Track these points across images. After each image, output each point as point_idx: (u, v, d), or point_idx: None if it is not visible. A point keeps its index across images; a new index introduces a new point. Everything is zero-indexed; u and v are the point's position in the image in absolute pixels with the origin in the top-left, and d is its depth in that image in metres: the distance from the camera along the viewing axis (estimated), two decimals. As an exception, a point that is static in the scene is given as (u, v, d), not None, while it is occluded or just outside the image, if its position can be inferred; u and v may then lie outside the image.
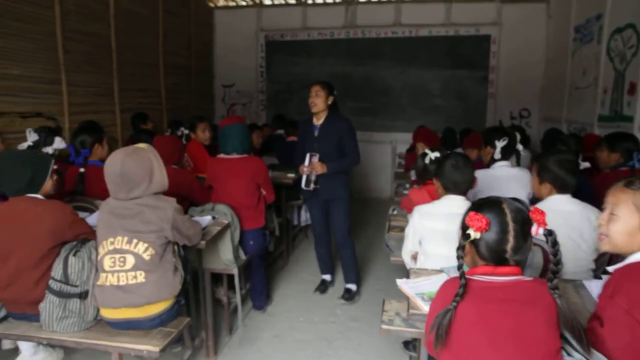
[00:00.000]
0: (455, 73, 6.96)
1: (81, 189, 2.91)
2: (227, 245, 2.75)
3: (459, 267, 1.28)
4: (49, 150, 2.94)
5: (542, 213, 1.30)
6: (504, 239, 1.28)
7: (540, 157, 2.31)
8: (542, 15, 6.53)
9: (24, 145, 2.99)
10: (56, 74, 4.23)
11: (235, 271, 2.82)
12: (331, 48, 7.25)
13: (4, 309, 2.09)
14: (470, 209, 1.37)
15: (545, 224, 1.29)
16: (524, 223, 1.29)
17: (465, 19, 6.80)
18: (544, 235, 1.30)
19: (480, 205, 1.37)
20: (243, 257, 2.97)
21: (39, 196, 2.05)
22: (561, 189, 2.16)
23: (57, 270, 1.96)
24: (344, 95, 7.18)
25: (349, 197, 3.61)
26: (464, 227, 1.36)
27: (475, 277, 1.30)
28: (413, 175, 4.43)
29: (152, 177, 2.01)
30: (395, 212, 3.18)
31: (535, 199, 2.72)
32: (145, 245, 1.94)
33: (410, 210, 2.87)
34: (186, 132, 4.18)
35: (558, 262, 1.29)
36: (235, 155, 3.12)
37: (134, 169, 1.95)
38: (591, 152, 3.23)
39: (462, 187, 2.20)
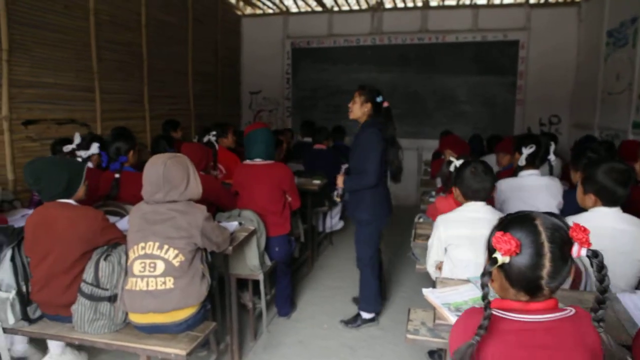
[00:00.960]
0: (482, 79, 6.87)
1: (115, 194, 2.98)
2: (253, 251, 2.77)
3: (484, 297, 1.08)
4: (82, 154, 3.03)
5: (585, 231, 1.09)
6: (538, 263, 1.07)
7: (587, 165, 2.14)
8: (573, 19, 6.39)
9: (68, 147, 3.09)
10: (90, 82, 4.36)
11: (260, 277, 2.85)
12: (357, 54, 7.26)
13: (39, 309, 2.17)
14: (497, 228, 1.18)
15: (589, 244, 1.08)
16: (562, 243, 1.08)
17: (493, 24, 6.72)
18: (588, 257, 1.10)
19: (509, 223, 1.16)
20: (268, 263, 2.99)
21: (71, 201, 2.12)
22: (608, 201, 1.97)
23: (88, 274, 2.02)
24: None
25: (373, 219, 3.14)
26: (490, 250, 1.15)
27: (504, 315, 1.11)
28: (439, 182, 4.39)
29: (189, 182, 2.08)
30: (421, 219, 3.15)
31: (566, 210, 2.67)
32: (176, 251, 1.98)
33: (433, 218, 2.86)
34: (213, 138, 4.24)
35: (605, 290, 1.08)
36: (259, 162, 3.14)
37: (174, 171, 2.04)
38: (632, 161, 2.96)
39: (481, 194, 2.18)
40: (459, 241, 2.15)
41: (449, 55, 6.94)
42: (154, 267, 1.97)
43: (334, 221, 5.07)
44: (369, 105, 3.09)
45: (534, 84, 6.65)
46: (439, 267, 2.29)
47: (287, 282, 3.32)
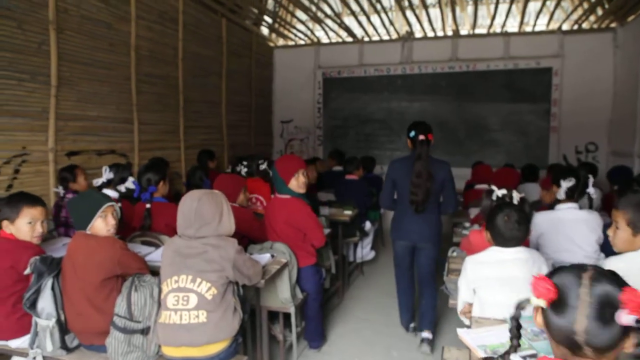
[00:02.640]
0: (514, 107, 6.80)
1: (148, 224, 3.06)
2: (285, 283, 2.78)
3: (512, 340, 1.04)
4: (122, 188, 3.14)
5: (638, 296, 0.95)
6: (573, 317, 0.99)
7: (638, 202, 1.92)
8: (609, 45, 6.29)
9: (98, 182, 3.21)
10: (129, 114, 4.54)
11: (292, 310, 2.84)
12: (387, 84, 7.32)
13: (76, 339, 2.22)
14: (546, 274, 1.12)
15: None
16: (606, 303, 0.97)
17: (525, 52, 6.67)
18: (637, 327, 0.96)
19: (558, 270, 1.10)
20: (300, 295, 2.98)
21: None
22: None
23: (120, 307, 2.06)
24: (400, 130, 7.22)
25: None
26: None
27: None
28: (472, 213, 4.32)
29: (222, 219, 2.13)
30: (454, 253, 3.09)
31: (606, 245, 2.57)
32: (208, 284, 2.01)
33: (469, 252, 2.80)
34: (245, 169, 4.32)
35: None
36: (281, 195, 3.12)
37: (207, 207, 2.09)
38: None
39: (511, 244, 2.09)
40: (487, 282, 2.08)
41: (480, 83, 6.92)
42: (187, 301, 2.00)
43: (365, 251, 5.03)
44: (408, 141, 3.35)
45: (569, 111, 6.53)
46: (468, 312, 2.21)
47: (317, 314, 3.28)
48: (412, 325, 3.63)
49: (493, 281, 2.06)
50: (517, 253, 2.09)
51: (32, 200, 2.33)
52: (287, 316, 2.97)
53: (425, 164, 3.17)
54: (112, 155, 4.31)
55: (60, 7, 3.67)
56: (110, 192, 3.11)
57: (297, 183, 3.01)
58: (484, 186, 4.09)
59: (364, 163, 5.68)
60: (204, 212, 2.08)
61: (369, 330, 3.75)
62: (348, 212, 4.27)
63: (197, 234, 2.08)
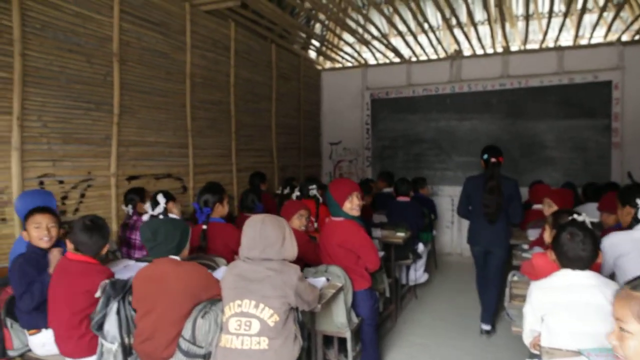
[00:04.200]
0: (571, 123, 6.51)
1: (204, 245, 3.12)
2: (340, 308, 2.74)
3: None
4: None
5: None
6: None
7: None
8: (673, 54, 5.95)
9: (159, 209, 3.30)
10: (184, 139, 4.70)
11: (348, 334, 2.79)
12: (436, 103, 7.22)
13: (138, 360, 2.27)
14: (630, 287, 1.07)
15: None
16: None
17: (581, 65, 6.41)
18: None
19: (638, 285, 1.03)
20: (355, 320, 2.93)
21: (178, 258, 2.25)
22: None
23: (187, 330, 2.08)
24: (450, 149, 7.09)
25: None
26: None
27: None
28: (531, 234, 4.14)
29: (284, 242, 2.14)
30: (515, 277, 2.96)
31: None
32: (271, 311, 2.01)
33: (532, 276, 2.67)
34: (297, 193, 4.34)
35: None
36: (335, 218, 3.10)
37: (270, 229, 2.13)
38: None
39: (579, 264, 1.98)
40: (556, 310, 1.95)
41: (533, 99, 6.69)
42: (249, 326, 2.00)
43: (418, 274, 4.92)
44: (482, 162, 3.97)
45: (632, 125, 6.18)
46: (536, 343, 2.08)
47: (373, 338, 3.21)
48: (486, 327, 4.04)
49: (562, 308, 1.94)
50: (587, 278, 1.97)
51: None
52: (342, 341, 2.93)
53: (497, 182, 3.79)
54: (168, 179, 4.47)
55: (123, 41, 3.89)
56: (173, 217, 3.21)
57: (351, 206, 2.99)
58: (541, 206, 3.94)
59: (413, 183, 5.61)
60: (268, 233, 2.12)
61: (424, 355, 3.65)
62: (401, 234, 4.20)
63: (261, 255, 2.10)
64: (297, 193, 4.32)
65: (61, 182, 3.45)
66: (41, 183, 3.29)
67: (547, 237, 2.81)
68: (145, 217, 2.49)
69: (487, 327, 4.01)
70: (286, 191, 4.62)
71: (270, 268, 2.07)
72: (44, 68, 3.28)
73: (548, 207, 3.66)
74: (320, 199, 4.33)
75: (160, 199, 3.34)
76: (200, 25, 4.85)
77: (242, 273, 2.09)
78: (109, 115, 3.81)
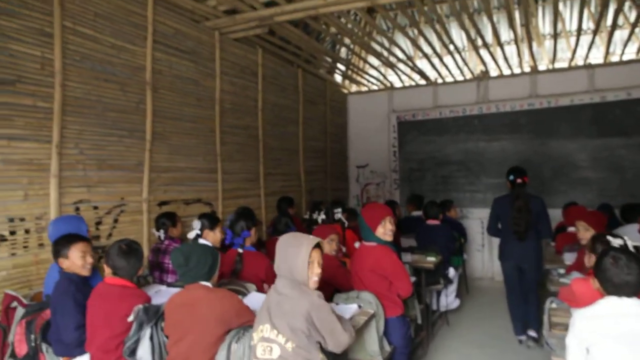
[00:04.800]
0: (605, 142, 6.34)
1: (239, 269, 3.12)
2: (372, 335, 2.68)
3: None
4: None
5: None
6: None
7: None
8: None
9: (192, 235, 3.35)
10: (213, 164, 4.77)
11: (380, 363, 2.72)
12: (463, 124, 7.15)
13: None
14: None
15: None
16: None
17: (613, 83, 6.27)
18: None
19: None
20: (388, 348, 2.86)
21: (209, 284, 2.25)
22: None
23: (221, 355, 2.07)
24: (479, 171, 6.98)
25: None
26: None
27: None
28: (567, 258, 4.00)
29: (287, 258, 2.08)
30: (553, 304, 2.84)
31: None
32: (284, 337, 1.96)
33: (573, 304, 2.56)
34: (323, 216, 4.33)
35: None
36: (367, 243, 3.06)
37: (279, 242, 2.13)
38: None
39: (626, 290, 1.88)
40: (604, 341, 1.86)
41: (563, 119, 6.56)
42: (271, 351, 1.97)
43: (449, 299, 4.80)
44: (508, 183, 4.27)
45: (670, 142, 5.99)
46: None
47: (405, 367, 3.13)
48: (523, 337, 4.23)
49: (610, 339, 1.84)
50: (636, 306, 1.87)
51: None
52: (374, 369, 2.85)
53: (524, 201, 4.06)
54: (198, 204, 4.52)
55: (155, 69, 4.01)
56: (203, 242, 3.24)
57: (384, 230, 2.96)
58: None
59: (442, 206, 5.52)
60: (278, 247, 2.10)
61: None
62: (431, 259, 4.12)
63: (277, 271, 2.09)
64: (322, 216, 4.30)
65: (95, 207, 3.52)
66: (77, 209, 3.37)
67: (588, 262, 2.71)
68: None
69: (532, 333, 4.20)
70: (314, 215, 4.61)
71: (282, 292, 2.03)
72: (82, 97, 3.40)
73: (584, 230, 3.54)
74: (346, 223, 4.30)
75: (196, 224, 3.41)
76: (229, 53, 4.97)
77: (268, 298, 2.08)
78: (142, 142, 3.90)
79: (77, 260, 2.55)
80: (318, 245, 2.12)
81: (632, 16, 5.56)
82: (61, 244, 2.58)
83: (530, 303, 4.20)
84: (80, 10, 3.38)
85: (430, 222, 4.85)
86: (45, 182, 3.15)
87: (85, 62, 3.41)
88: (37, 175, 3.10)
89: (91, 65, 3.46)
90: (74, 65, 3.33)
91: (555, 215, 5.17)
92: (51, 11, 3.16)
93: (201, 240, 3.33)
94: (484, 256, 6.98)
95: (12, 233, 2.96)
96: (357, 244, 3.20)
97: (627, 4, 5.29)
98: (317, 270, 2.10)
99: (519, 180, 4.13)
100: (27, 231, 3.04)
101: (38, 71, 3.10)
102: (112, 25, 3.62)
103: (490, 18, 4.91)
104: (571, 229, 4.30)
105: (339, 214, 4.38)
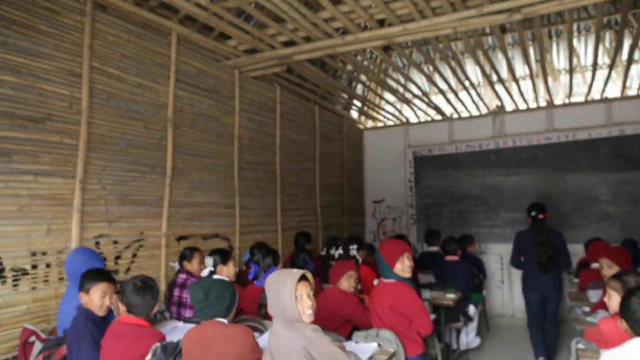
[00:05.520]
0: (626, 175, 6.23)
1: (265, 303, 3.09)
2: (392, 375, 2.62)
3: None
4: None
5: None
6: None
7: None
8: None
9: (206, 272, 3.34)
10: (231, 199, 4.81)
11: (401, 405, 2.64)
12: (480, 159, 7.13)
13: None
14: None
15: None
16: None
17: (631, 116, 6.22)
18: None
19: None
20: (408, 388, 2.78)
21: (225, 321, 2.24)
22: None
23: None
24: (497, 206, 6.90)
25: None
26: None
27: None
28: (591, 295, 3.89)
29: (278, 296, 2.02)
30: (579, 344, 2.74)
31: None
32: None
33: (601, 344, 2.48)
34: (340, 251, 4.31)
35: None
36: (386, 280, 3.02)
37: (273, 285, 2.07)
38: None
39: None
40: None
41: (581, 153, 6.49)
42: None
43: (469, 337, 4.67)
44: (529, 218, 4.52)
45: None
46: None
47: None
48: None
49: (642, 382, 1.78)
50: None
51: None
52: (394, 411, 2.76)
53: (546, 236, 4.30)
54: (216, 239, 4.54)
55: (177, 107, 4.12)
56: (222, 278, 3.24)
57: (402, 267, 2.92)
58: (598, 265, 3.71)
59: (461, 242, 5.44)
60: (267, 288, 2.08)
61: None
62: (451, 296, 4.05)
63: (271, 313, 2.09)
64: (339, 251, 4.28)
65: (115, 242, 3.57)
66: (97, 243, 3.42)
67: (614, 304, 2.62)
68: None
69: None
70: (331, 251, 4.58)
71: (277, 334, 2.01)
72: (107, 134, 3.50)
73: (608, 268, 3.42)
74: (360, 260, 4.25)
75: (208, 261, 3.40)
76: (248, 90, 5.10)
77: (268, 340, 2.06)
78: (162, 177, 3.97)
79: (96, 299, 2.53)
80: (304, 278, 2.05)
81: (648, 51, 5.57)
82: (87, 278, 2.56)
83: (548, 332, 4.41)
84: (109, 52, 3.54)
85: (449, 258, 4.78)
86: (68, 216, 3.21)
87: (110, 100, 3.54)
88: (60, 210, 3.17)
89: (116, 103, 3.58)
90: (100, 103, 3.45)
91: (576, 250, 5.07)
92: (81, 52, 3.31)
93: (215, 276, 3.32)
94: (504, 292, 6.81)
95: (34, 267, 3.01)
96: (375, 281, 3.15)
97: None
98: (307, 303, 2.02)
99: (540, 216, 4.39)
100: (48, 265, 3.08)
101: (66, 109, 3.22)
102: (137, 65, 3.77)
103: (505, 54, 4.97)
104: (595, 265, 4.19)
105: (353, 250, 4.35)
